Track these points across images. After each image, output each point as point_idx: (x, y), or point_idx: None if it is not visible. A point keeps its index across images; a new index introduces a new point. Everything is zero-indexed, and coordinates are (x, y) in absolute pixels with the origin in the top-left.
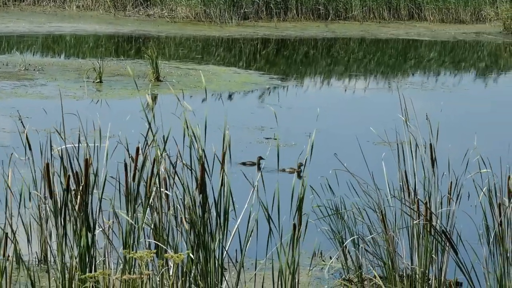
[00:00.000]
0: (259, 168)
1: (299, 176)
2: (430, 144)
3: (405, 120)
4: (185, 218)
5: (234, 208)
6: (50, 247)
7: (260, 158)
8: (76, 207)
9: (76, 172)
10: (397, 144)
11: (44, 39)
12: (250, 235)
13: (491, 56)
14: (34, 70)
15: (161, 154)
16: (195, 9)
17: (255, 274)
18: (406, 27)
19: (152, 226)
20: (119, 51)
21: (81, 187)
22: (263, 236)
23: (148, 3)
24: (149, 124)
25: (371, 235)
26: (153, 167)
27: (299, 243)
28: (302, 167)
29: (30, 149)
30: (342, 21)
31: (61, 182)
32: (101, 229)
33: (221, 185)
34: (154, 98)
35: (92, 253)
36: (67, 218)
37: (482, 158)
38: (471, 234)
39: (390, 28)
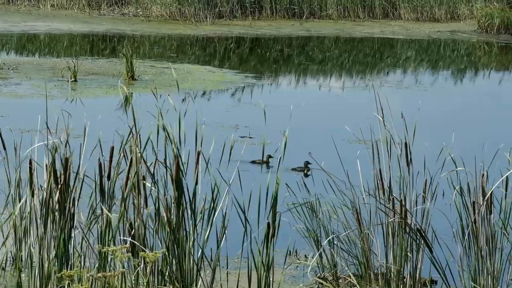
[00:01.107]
0: (268, 166)
1: (306, 175)
2: (405, 143)
3: (381, 118)
4: (160, 216)
5: (215, 207)
6: (28, 246)
7: (269, 156)
8: (56, 205)
9: (55, 170)
10: (372, 142)
11: (19, 38)
12: (224, 233)
13: (466, 54)
14: (8, 69)
15: (135, 152)
16: (170, 8)
17: (227, 273)
18: (381, 25)
19: (128, 225)
20: (94, 50)
21: (60, 185)
22: (239, 234)
23: (123, 2)
24: (133, 124)
25: (346, 233)
26: (129, 165)
27: (273, 242)
28: (309, 165)
29: (4, 148)
30: (316, 19)
31: (38, 182)
32: (78, 228)
33: (196, 183)
34: (129, 97)
35: (69, 251)
36: (46, 216)
37: (457, 156)
38: (445, 232)
39: (365, 27)
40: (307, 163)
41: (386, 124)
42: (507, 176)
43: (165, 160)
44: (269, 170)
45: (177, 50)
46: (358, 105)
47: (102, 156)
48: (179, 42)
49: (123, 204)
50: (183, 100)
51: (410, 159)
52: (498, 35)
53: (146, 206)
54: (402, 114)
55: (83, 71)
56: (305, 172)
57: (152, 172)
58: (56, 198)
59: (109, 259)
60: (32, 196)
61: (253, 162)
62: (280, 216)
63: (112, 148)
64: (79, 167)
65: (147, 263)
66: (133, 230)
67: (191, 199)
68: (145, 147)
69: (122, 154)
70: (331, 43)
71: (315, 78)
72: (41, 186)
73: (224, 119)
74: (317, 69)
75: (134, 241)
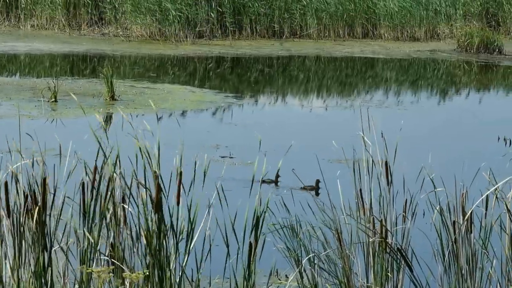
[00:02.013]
0: (277, 185)
1: (317, 193)
2: (386, 162)
3: (364, 137)
4: (140, 236)
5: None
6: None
7: (278, 175)
8: (33, 227)
9: (34, 191)
10: (353, 162)
11: None
12: (208, 254)
13: (446, 73)
14: None
15: (114, 173)
16: (150, 28)
17: None
18: (361, 45)
19: (109, 245)
20: (74, 70)
21: (38, 206)
22: (222, 255)
23: (103, 22)
24: (113, 145)
25: (326, 252)
26: (107, 186)
27: (255, 262)
28: (319, 184)
29: None
30: (297, 39)
31: (15, 203)
32: (58, 248)
33: (177, 203)
34: (109, 117)
35: (48, 273)
36: (25, 237)
37: (437, 175)
38: (426, 251)
39: (345, 46)
40: (318, 181)
41: (367, 144)
42: (487, 195)
43: (145, 181)
44: (277, 189)
45: (157, 70)
46: (339, 124)
47: (86, 176)
48: (159, 62)
49: (103, 225)
50: (161, 119)
51: (391, 178)
52: (477, 54)
53: (126, 227)
54: (382, 133)
55: (63, 91)
56: (316, 190)
57: (130, 193)
58: (34, 219)
59: (89, 280)
60: (9, 217)
61: (263, 181)
62: (262, 236)
63: (95, 168)
64: (55, 187)
65: (129, 283)
66: (114, 251)
67: (172, 219)
68: (123, 167)
69: (102, 174)
70: (311, 63)
71: (296, 98)
72: (19, 207)
73: (204, 139)
74: (298, 89)
75: (115, 261)
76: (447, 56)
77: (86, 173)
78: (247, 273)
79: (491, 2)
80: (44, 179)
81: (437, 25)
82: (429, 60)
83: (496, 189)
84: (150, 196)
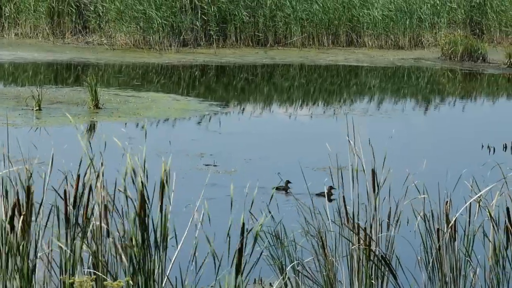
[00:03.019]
0: (287, 193)
1: (330, 200)
2: (372, 170)
3: (352, 145)
4: (124, 245)
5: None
6: None
7: (288, 182)
8: (18, 235)
9: (18, 199)
10: (337, 169)
11: None
12: (192, 261)
13: (430, 81)
14: None
15: (98, 182)
16: (134, 36)
17: None
18: (345, 53)
19: (92, 254)
20: (58, 78)
21: (23, 215)
22: (207, 263)
23: (87, 30)
24: (97, 153)
25: (309, 259)
26: (89, 194)
27: (241, 270)
28: (333, 190)
29: None
30: (281, 47)
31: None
32: (41, 256)
33: (160, 211)
34: (94, 125)
35: (32, 281)
36: (8, 246)
37: (421, 183)
38: (410, 259)
39: (329, 54)
40: (330, 187)
41: (351, 151)
42: (470, 203)
43: (125, 189)
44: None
45: (141, 78)
46: (323, 132)
47: (71, 185)
48: (143, 70)
49: (86, 233)
50: (147, 128)
51: (377, 186)
52: (461, 62)
53: (109, 236)
54: (369, 141)
55: (48, 100)
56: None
57: (114, 201)
58: (19, 227)
59: None
60: None
61: (277, 188)
62: (248, 244)
63: (78, 177)
64: (43, 196)
65: None
66: (97, 259)
67: (156, 228)
68: (106, 175)
69: (86, 183)
70: (295, 71)
71: (280, 106)
72: (3, 215)
73: (189, 147)
74: (283, 97)
75: (97, 272)
76: (431, 64)
77: (66, 181)
78: (233, 281)
79: (475, 10)
80: (29, 187)
81: (421, 33)
82: (413, 68)
83: (479, 197)
84: (134, 205)
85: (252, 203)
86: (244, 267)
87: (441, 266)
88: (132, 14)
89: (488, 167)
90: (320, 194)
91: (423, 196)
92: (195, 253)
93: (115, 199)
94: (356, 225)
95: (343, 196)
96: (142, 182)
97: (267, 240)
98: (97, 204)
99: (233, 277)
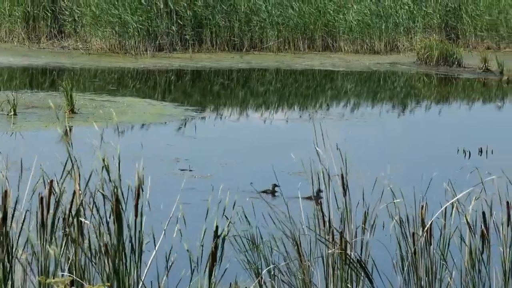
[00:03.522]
0: (274, 196)
1: (318, 204)
2: (342, 175)
3: (320, 151)
4: (100, 250)
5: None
6: None
7: (275, 185)
8: None
9: None
10: (312, 174)
11: None
12: (168, 267)
13: (406, 86)
14: None
15: (74, 186)
16: (109, 41)
17: None
18: (321, 57)
19: (68, 258)
20: (34, 83)
21: None
22: (183, 267)
23: (63, 35)
24: (72, 158)
25: (286, 265)
26: (59, 198)
27: (215, 274)
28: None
29: None
30: (257, 52)
31: None
32: (19, 259)
33: (136, 216)
34: (69, 130)
35: (9, 285)
36: None
37: (396, 187)
38: (386, 263)
39: (305, 59)
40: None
41: (324, 156)
42: (445, 207)
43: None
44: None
45: (117, 83)
46: (299, 137)
47: (47, 189)
48: (119, 75)
49: (62, 238)
50: (121, 133)
51: (347, 190)
52: (437, 66)
53: (83, 240)
54: (337, 145)
55: (23, 104)
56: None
57: (89, 206)
58: None
59: None
60: None
61: (264, 192)
62: (222, 247)
63: (51, 182)
64: (17, 200)
65: None
66: (73, 263)
67: (131, 232)
68: (82, 180)
69: (62, 188)
70: (271, 76)
71: (256, 111)
72: None
73: (164, 152)
74: (259, 102)
75: (73, 276)
76: (406, 69)
77: (44, 185)
78: (207, 286)
79: (450, 15)
80: (6, 192)
81: (397, 38)
82: (389, 72)
83: (456, 201)
84: (111, 208)
85: (224, 208)
86: (218, 271)
87: (416, 270)
88: (108, 19)
89: (464, 171)
90: (308, 198)
91: (399, 200)
92: (169, 257)
93: (91, 203)
94: (331, 229)
95: (320, 201)
96: (117, 186)
97: (242, 244)
98: (73, 209)
99: (206, 281)
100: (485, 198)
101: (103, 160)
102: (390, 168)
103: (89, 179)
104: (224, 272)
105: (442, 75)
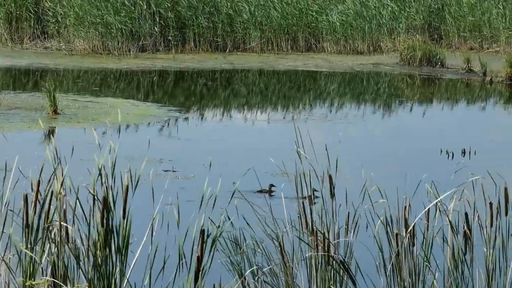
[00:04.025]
0: (270, 195)
1: (314, 203)
2: (329, 175)
3: (303, 152)
4: (85, 251)
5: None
6: None
7: (272, 185)
8: None
9: None
10: (295, 175)
11: None
12: (151, 267)
13: (389, 86)
14: None
15: (58, 187)
16: (92, 42)
17: None
18: (304, 58)
19: (52, 259)
20: (17, 84)
21: None
22: (167, 268)
23: (46, 35)
24: (56, 159)
25: (270, 266)
26: (50, 200)
27: (199, 276)
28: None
29: None
30: (240, 52)
31: None
32: (1, 261)
33: (124, 217)
34: (52, 131)
35: None
36: None
37: (380, 188)
38: (369, 264)
39: (288, 60)
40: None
41: (307, 157)
42: (429, 208)
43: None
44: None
45: (100, 83)
46: (282, 138)
47: (31, 190)
48: (102, 76)
49: (46, 239)
50: (104, 134)
51: (333, 191)
52: (420, 67)
53: (68, 241)
54: (326, 146)
55: (6, 105)
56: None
57: (74, 207)
58: None
59: None
60: None
61: (260, 191)
62: (208, 250)
63: (38, 183)
64: (3, 201)
65: None
66: (56, 264)
67: (117, 233)
68: (67, 180)
69: (48, 188)
70: (255, 76)
71: (239, 111)
72: None
73: (147, 153)
74: (242, 102)
75: (55, 280)
76: (390, 69)
77: (32, 187)
78: (191, 287)
79: (433, 16)
80: None
81: (380, 38)
82: (372, 73)
83: (439, 202)
84: (99, 209)
85: (211, 209)
86: (202, 272)
87: (400, 271)
88: (91, 20)
89: (449, 172)
90: (261, 191)
91: (382, 200)
92: (154, 258)
93: (76, 204)
94: (314, 230)
95: (302, 202)
96: (105, 186)
97: (226, 246)
98: (57, 209)
99: (191, 282)
100: (468, 199)
101: (89, 160)
102: (373, 169)
103: (68, 179)
104: (208, 273)
105: (425, 75)
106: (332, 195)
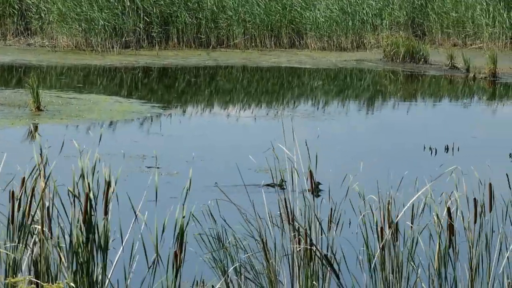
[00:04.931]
0: (282, 189)
1: (318, 196)
2: (310, 171)
3: (285, 149)
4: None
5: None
6: None
7: (283, 180)
8: None
9: None
10: (277, 171)
11: None
12: (130, 265)
13: (373, 83)
14: None
15: (42, 184)
16: (76, 38)
17: None
18: (287, 55)
19: (34, 256)
20: (0, 80)
21: None
22: (149, 265)
23: (29, 32)
24: (39, 156)
25: (252, 263)
26: (31, 197)
27: (180, 272)
28: (320, 186)
29: None
30: (224, 49)
31: None
32: None
33: (105, 214)
34: (36, 128)
35: None
36: None
37: (363, 184)
38: (352, 260)
39: (272, 56)
40: (318, 183)
41: (290, 153)
42: (412, 204)
43: (70, 191)
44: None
45: (83, 80)
46: (266, 134)
47: (14, 187)
48: (85, 72)
49: (29, 236)
50: (87, 130)
51: (316, 187)
52: (403, 63)
53: (51, 238)
54: (306, 142)
55: None
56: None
57: (57, 204)
58: None
59: None
60: None
61: (268, 185)
62: (188, 245)
63: (23, 180)
64: None
65: None
66: (38, 262)
67: (99, 230)
68: (50, 178)
69: (33, 186)
70: (238, 73)
71: (223, 108)
72: None
73: (131, 149)
74: (225, 99)
75: (37, 281)
76: (373, 66)
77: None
78: (173, 284)
79: (417, 12)
80: None
81: (364, 35)
82: (356, 69)
83: (423, 198)
84: (80, 208)
85: (193, 205)
86: (184, 270)
87: (383, 266)
88: (74, 16)
89: (433, 168)
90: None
91: (365, 197)
92: (136, 255)
93: (59, 201)
94: (297, 226)
95: (284, 198)
96: (87, 183)
97: (209, 242)
98: (40, 207)
99: (172, 279)
100: (451, 196)
101: (72, 157)
102: (356, 165)
103: (52, 177)
104: (190, 270)
105: (408, 72)
106: (314, 190)
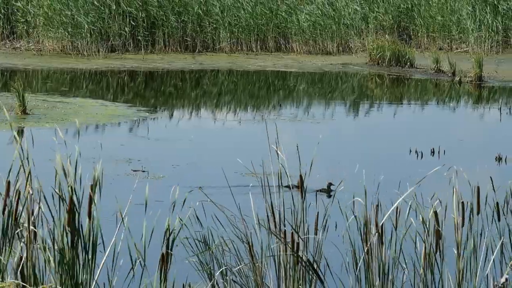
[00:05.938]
0: (329, 194)
1: (330, 196)
2: (300, 175)
3: (276, 151)
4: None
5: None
6: None
7: (330, 184)
8: None
9: None
10: (264, 175)
11: None
12: (116, 268)
13: (358, 86)
14: None
15: (27, 188)
16: (62, 42)
17: None
18: (273, 58)
19: (19, 260)
20: None
21: None
22: (135, 268)
23: (15, 36)
24: (25, 159)
25: (239, 266)
26: (17, 200)
27: (166, 276)
28: (332, 187)
29: None
30: (210, 53)
31: None
32: None
33: (89, 217)
34: (21, 131)
35: None
36: None
37: (348, 188)
38: (338, 263)
39: (258, 60)
40: (330, 184)
41: (279, 157)
42: (398, 208)
43: (57, 195)
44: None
45: (69, 84)
46: (251, 138)
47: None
48: (71, 76)
49: (14, 239)
50: (75, 134)
51: (303, 190)
52: (389, 67)
53: (36, 241)
54: (297, 146)
55: None
56: (329, 193)
57: (42, 207)
58: None
59: None
60: None
61: (287, 187)
62: (175, 249)
63: (8, 183)
64: None
65: None
66: (24, 265)
67: (84, 233)
68: (36, 181)
69: (16, 189)
70: (224, 76)
71: (209, 112)
72: None
73: (117, 153)
74: (211, 103)
75: (23, 283)
76: (359, 70)
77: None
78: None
79: (403, 16)
80: None
81: (349, 38)
82: (341, 73)
83: (409, 201)
84: (66, 211)
85: (179, 209)
86: (170, 273)
87: (369, 270)
88: (60, 20)
89: (418, 171)
90: (321, 190)
91: (351, 200)
92: (121, 258)
93: (44, 204)
94: (283, 230)
95: (271, 202)
96: (71, 187)
97: (195, 246)
98: (25, 210)
99: (157, 282)
100: (440, 199)
101: (57, 160)
102: (342, 168)
103: (38, 180)
104: (176, 273)
105: (394, 75)
106: (302, 194)
